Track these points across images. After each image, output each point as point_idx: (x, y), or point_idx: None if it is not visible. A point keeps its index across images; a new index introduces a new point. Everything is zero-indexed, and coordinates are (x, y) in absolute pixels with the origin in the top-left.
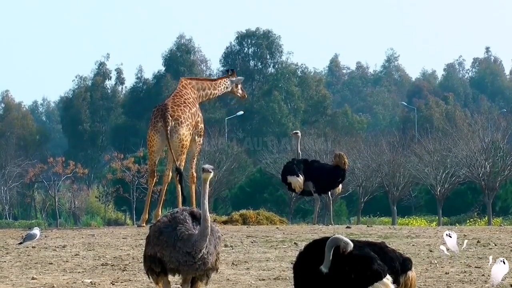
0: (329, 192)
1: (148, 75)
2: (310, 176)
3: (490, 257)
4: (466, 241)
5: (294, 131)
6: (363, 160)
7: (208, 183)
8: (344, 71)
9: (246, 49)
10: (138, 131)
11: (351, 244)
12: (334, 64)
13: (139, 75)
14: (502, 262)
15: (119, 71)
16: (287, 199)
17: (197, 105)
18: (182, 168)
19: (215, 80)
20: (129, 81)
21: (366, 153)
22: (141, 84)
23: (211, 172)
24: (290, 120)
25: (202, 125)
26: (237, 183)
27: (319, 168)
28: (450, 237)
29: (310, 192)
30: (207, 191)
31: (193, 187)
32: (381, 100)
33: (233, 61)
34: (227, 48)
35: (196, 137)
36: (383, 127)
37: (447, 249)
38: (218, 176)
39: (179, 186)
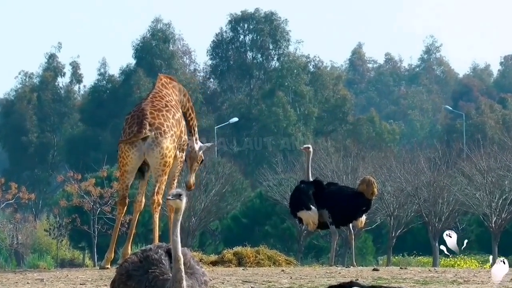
0: (350, 224)
1: (114, 70)
2: (325, 203)
3: (491, 257)
4: (466, 240)
5: (305, 146)
6: (395, 182)
7: (180, 213)
8: (370, 65)
9: (242, 36)
10: (100, 143)
11: None
12: (357, 56)
13: (101, 70)
14: (502, 262)
15: (75, 66)
16: (296, 233)
17: (181, 111)
18: (162, 193)
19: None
20: (89, 78)
21: (398, 173)
22: (104, 82)
23: (180, 200)
24: (299, 130)
25: (186, 137)
26: (230, 211)
27: (336, 193)
28: (450, 237)
29: (325, 224)
30: (178, 223)
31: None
32: (418, 104)
33: (224, 52)
34: (217, 35)
35: (178, 152)
36: (421, 138)
37: (447, 249)
38: (205, 203)
39: (156, 217)
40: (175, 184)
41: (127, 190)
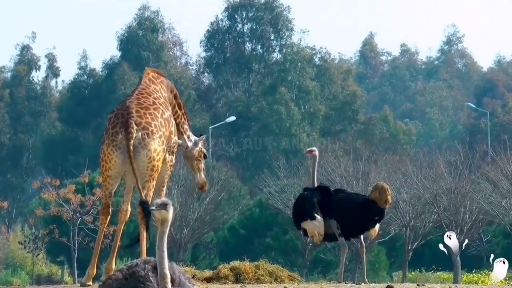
0: (361, 236)
1: (96, 63)
2: (333, 212)
3: (491, 255)
4: (466, 240)
5: (309, 149)
6: (412, 189)
7: (166, 225)
8: (384, 57)
9: (239, 26)
10: (81, 145)
11: None
12: (368, 47)
13: (82, 63)
14: (502, 262)
15: (51, 58)
16: (300, 246)
17: (170, 109)
18: (150, 201)
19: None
20: (67, 72)
21: (415, 178)
22: (85, 76)
23: (165, 210)
24: (303, 130)
25: (176, 137)
26: (227, 221)
27: (345, 201)
28: (450, 238)
29: (333, 236)
30: (164, 236)
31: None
32: (437, 101)
33: (220, 43)
34: (212, 24)
35: (168, 155)
36: (441, 139)
37: (447, 250)
38: (199, 212)
39: (143, 227)
40: (165, 190)
41: (111, 197)
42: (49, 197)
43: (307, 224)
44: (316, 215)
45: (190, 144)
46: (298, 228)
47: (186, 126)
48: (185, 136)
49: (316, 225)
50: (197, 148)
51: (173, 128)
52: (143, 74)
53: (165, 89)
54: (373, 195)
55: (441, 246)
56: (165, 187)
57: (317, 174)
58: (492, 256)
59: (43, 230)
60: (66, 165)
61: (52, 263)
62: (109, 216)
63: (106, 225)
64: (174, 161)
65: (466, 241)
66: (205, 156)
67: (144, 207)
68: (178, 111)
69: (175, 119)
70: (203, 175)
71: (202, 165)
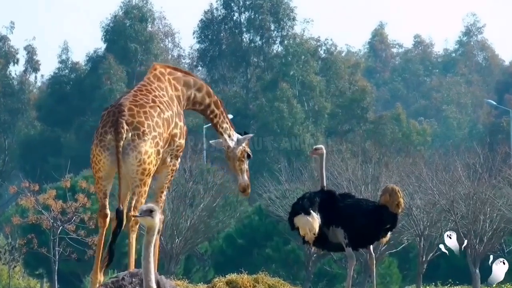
0: (371, 246)
1: (79, 56)
2: (339, 219)
3: (491, 256)
4: (466, 240)
5: (315, 147)
6: (426, 195)
7: (152, 233)
8: (395, 50)
9: (236, 15)
10: (62, 146)
11: None
12: (378, 38)
13: (63, 56)
14: (502, 263)
15: (30, 51)
16: (303, 257)
17: (177, 109)
18: (138, 204)
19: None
20: (48, 66)
21: (430, 183)
22: (67, 71)
23: (151, 217)
24: (307, 130)
25: (182, 141)
26: (223, 230)
27: (354, 207)
28: (451, 238)
29: (339, 246)
30: (150, 246)
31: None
32: (454, 97)
33: (215, 33)
34: (205, 13)
35: (169, 158)
36: (459, 140)
37: (447, 249)
38: (192, 220)
39: (132, 237)
40: (163, 197)
41: (106, 198)
42: (27, 204)
43: (299, 219)
44: (312, 211)
45: (232, 143)
46: (292, 227)
47: (225, 125)
48: (226, 136)
49: (309, 221)
50: (240, 148)
51: (178, 130)
52: (149, 69)
53: (178, 87)
54: (383, 198)
55: (441, 246)
56: (164, 193)
57: (324, 177)
58: (491, 257)
59: (20, 239)
60: (46, 168)
61: (30, 276)
62: (107, 218)
63: (105, 228)
64: (177, 166)
65: (466, 241)
66: (248, 156)
67: (119, 216)
68: (216, 110)
69: (211, 119)
70: (246, 177)
71: (245, 166)
